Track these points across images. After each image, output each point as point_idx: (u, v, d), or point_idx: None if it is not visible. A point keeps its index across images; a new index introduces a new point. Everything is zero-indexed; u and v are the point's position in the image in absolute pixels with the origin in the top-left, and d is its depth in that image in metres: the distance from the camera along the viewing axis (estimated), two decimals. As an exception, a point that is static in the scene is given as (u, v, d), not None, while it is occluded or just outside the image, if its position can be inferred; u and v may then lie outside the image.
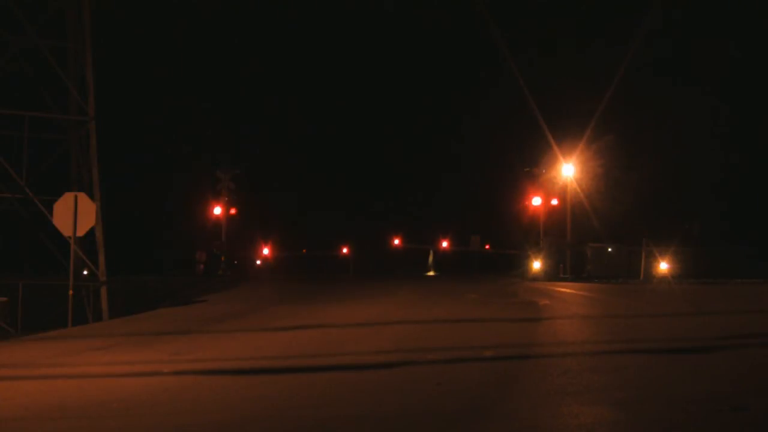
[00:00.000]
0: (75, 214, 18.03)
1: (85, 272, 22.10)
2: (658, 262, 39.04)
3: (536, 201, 47.70)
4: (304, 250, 60.24)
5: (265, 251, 55.30)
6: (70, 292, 17.89)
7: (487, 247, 55.61)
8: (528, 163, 48.29)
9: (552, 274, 41.15)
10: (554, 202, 46.98)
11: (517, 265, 46.95)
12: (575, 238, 42.72)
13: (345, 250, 58.69)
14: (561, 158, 43.80)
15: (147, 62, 39.61)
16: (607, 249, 42.06)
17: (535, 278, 39.73)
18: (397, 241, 60.66)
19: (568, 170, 43.86)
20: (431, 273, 48.97)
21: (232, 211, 48.93)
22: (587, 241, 42.38)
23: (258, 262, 54.15)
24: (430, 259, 54.61)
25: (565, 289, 27.80)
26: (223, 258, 44.72)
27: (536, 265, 43.09)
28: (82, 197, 18.38)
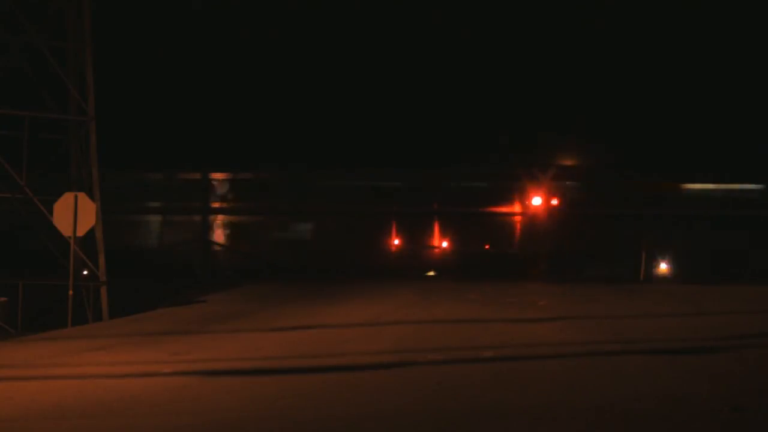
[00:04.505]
0: (75, 214, 18.04)
1: (85, 272, 22.07)
2: (658, 262, 39.04)
3: (536, 201, 47.67)
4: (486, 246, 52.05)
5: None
6: (70, 292, 17.88)
7: (486, 247, 55.44)
8: (527, 161, 48.16)
9: (552, 274, 41.13)
10: (554, 202, 46.97)
11: (517, 265, 46.89)
12: (575, 237, 42.73)
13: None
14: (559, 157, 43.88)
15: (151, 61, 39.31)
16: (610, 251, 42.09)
17: (536, 279, 39.73)
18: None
19: (566, 169, 43.92)
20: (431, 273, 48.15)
21: None
22: (587, 241, 42.38)
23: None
24: None
25: (565, 289, 27.79)
26: None
27: (537, 265, 43.06)
28: (82, 197, 18.38)
